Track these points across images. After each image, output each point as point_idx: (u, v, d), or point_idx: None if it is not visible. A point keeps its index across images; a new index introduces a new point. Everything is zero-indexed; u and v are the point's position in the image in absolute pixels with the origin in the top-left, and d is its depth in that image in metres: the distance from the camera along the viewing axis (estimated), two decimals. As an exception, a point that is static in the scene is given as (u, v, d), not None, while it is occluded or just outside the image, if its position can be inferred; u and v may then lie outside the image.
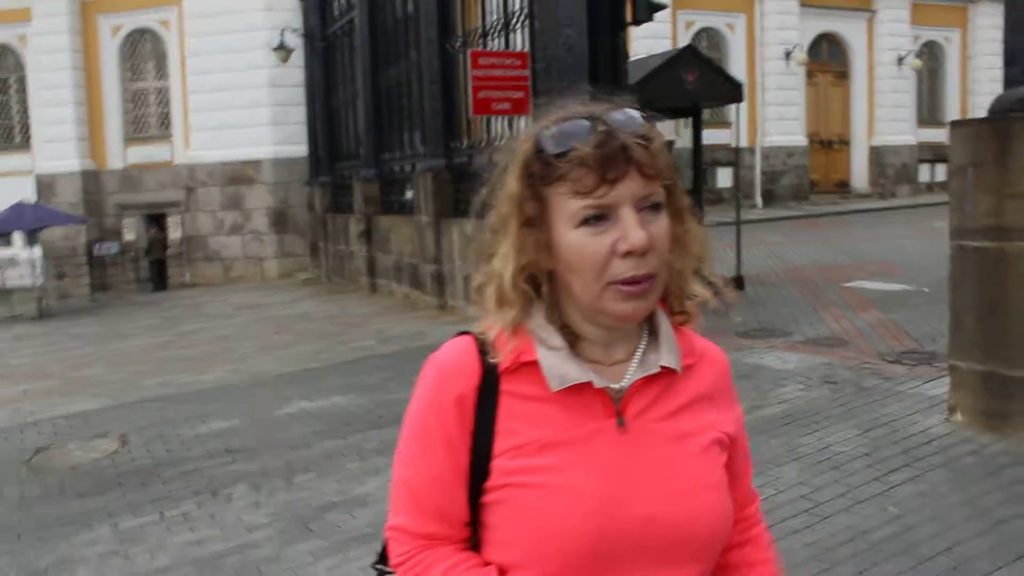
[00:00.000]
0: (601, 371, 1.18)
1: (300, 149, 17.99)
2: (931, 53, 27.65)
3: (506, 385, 1.19)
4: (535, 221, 1.15)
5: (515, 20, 9.58)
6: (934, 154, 26.37)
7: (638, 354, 1.20)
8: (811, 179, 24.85)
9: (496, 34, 9.99)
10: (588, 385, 1.16)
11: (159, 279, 18.72)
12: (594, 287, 1.12)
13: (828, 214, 21.27)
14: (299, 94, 17.95)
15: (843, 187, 25.35)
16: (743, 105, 11.49)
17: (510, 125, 9.86)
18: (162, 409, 7.03)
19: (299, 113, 17.98)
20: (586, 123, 1.13)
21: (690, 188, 10.94)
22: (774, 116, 23.95)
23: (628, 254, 1.10)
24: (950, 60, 27.95)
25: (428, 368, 1.26)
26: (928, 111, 27.59)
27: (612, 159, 1.10)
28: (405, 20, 12.51)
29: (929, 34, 27.26)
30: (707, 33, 23.47)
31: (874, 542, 3.56)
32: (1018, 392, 4.68)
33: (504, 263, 1.19)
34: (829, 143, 25.35)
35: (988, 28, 26.40)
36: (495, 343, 1.20)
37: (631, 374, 1.19)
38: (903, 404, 5.40)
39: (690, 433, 1.20)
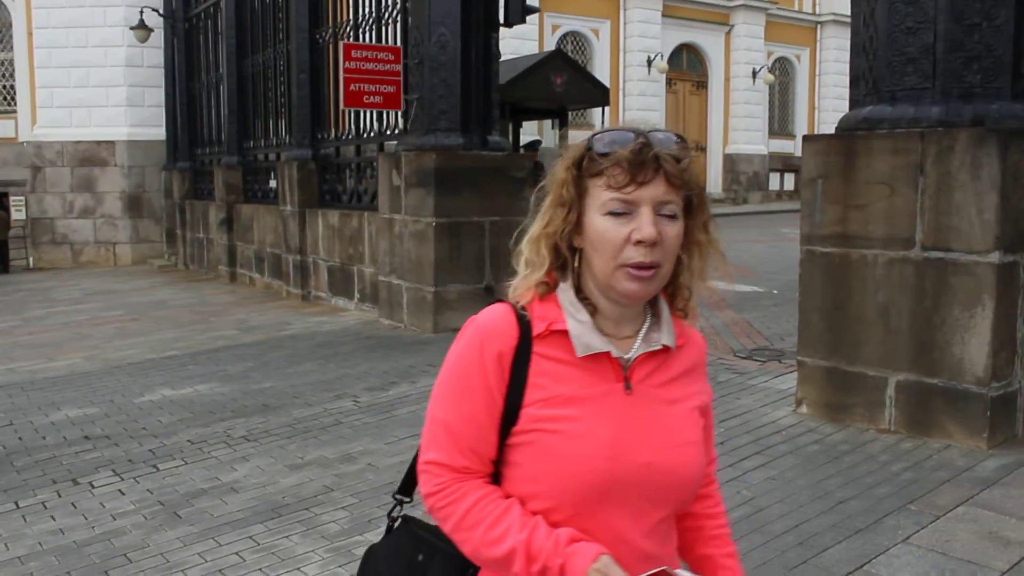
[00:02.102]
0: (612, 343, 1.43)
1: (158, 132, 17.41)
2: (783, 69, 29.12)
3: (538, 348, 1.42)
4: (567, 202, 1.40)
5: (388, 14, 9.62)
6: (784, 164, 27.77)
7: (643, 332, 1.46)
8: (668, 183, 25.68)
9: (368, 27, 10.01)
10: (605, 354, 1.42)
11: (0, 262, 17.76)
12: (609, 266, 1.37)
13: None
14: (158, 76, 17.36)
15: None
16: (607, 109, 11.88)
17: (379, 118, 9.90)
18: (10, 396, 6.77)
19: (158, 95, 17.39)
20: (631, 135, 1.38)
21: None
22: (636, 121, 24.66)
23: (639, 243, 1.34)
24: (800, 76, 29.50)
25: (470, 328, 1.47)
26: (779, 123, 29.03)
27: (643, 165, 1.35)
28: (274, 7, 12.34)
29: (782, 51, 28.70)
30: (573, 37, 23.99)
31: (730, 522, 3.84)
32: (857, 386, 5.10)
33: (534, 230, 1.45)
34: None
35: (835, 49, 28.00)
36: (529, 311, 1.44)
37: (637, 348, 1.44)
38: (754, 397, 5.78)
39: (679, 399, 1.47)
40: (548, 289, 1.44)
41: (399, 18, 9.41)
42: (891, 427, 4.94)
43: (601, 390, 1.41)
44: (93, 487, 4.71)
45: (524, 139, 11.51)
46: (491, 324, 1.44)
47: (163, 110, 17.32)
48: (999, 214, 4.53)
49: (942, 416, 4.74)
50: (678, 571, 1.38)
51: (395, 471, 4.70)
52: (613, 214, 1.36)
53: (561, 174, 1.42)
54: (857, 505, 3.98)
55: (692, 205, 1.41)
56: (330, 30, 10.79)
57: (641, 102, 24.73)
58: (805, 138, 5.71)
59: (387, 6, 9.65)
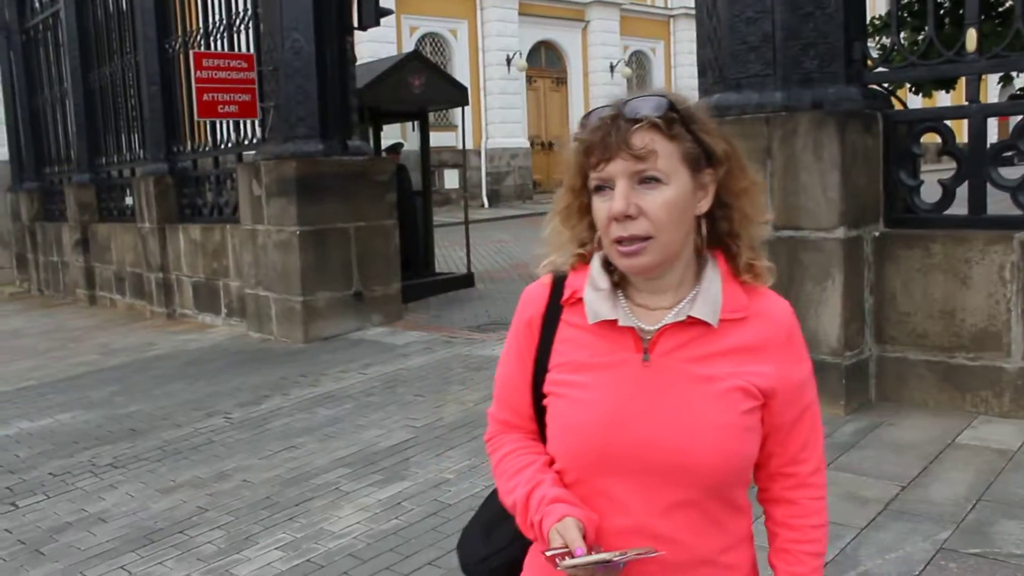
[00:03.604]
0: (642, 314, 1.40)
1: (0, 152, 16.55)
2: (639, 62, 29.82)
3: (565, 315, 1.45)
4: (572, 183, 1.42)
5: (239, 21, 9.39)
6: (643, 155, 28.39)
7: (681, 304, 1.39)
8: (534, 179, 26.05)
9: (219, 35, 9.74)
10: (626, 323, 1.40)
11: None
12: (606, 243, 1.37)
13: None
14: (-5, 92, 16.50)
15: (564, 187, 26.71)
16: (468, 109, 11.90)
17: (236, 128, 9.67)
18: None
19: (-3, 113, 16.53)
20: (605, 111, 1.36)
21: (418, 190, 11.21)
22: (497, 119, 24.88)
23: (614, 219, 1.32)
24: (656, 68, 30.28)
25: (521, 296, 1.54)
26: (637, 115, 29.64)
27: (604, 142, 1.32)
28: (119, 16, 11.88)
29: (637, 44, 29.40)
30: (431, 38, 23.97)
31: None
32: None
33: (552, 208, 1.50)
34: (550, 145, 26.64)
35: (687, 42, 28.83)
36: (566, 280, 1.47)
37: (666, 320, 1.38)
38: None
39: (714, 378, 1.36)
40: (584, 259, 1.45)
41: (251, 24, 9.18)
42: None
43: (616, 359, 1.39)
44: (-54, 531, 4.44)
45: (385, 143, 11.42)
46: (528, 292, 1.53)
47: (3, 128, 16.44)
48: (842, 191, 4.77)
49: (802, 388, 4.95)
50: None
51: (270, 485, 4.61)
52: (597, 192, 1.35)
53: (566, 156, 1.43)
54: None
55: (709, 155, 1.35)
56: (180, 39, 10.46)
57: (502, 100, 24.92)
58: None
59: (238, 12, 9.41)
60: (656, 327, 1.39)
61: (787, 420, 1.43)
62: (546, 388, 1.45)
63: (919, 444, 4.34)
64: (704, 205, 1.38)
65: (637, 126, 1.31)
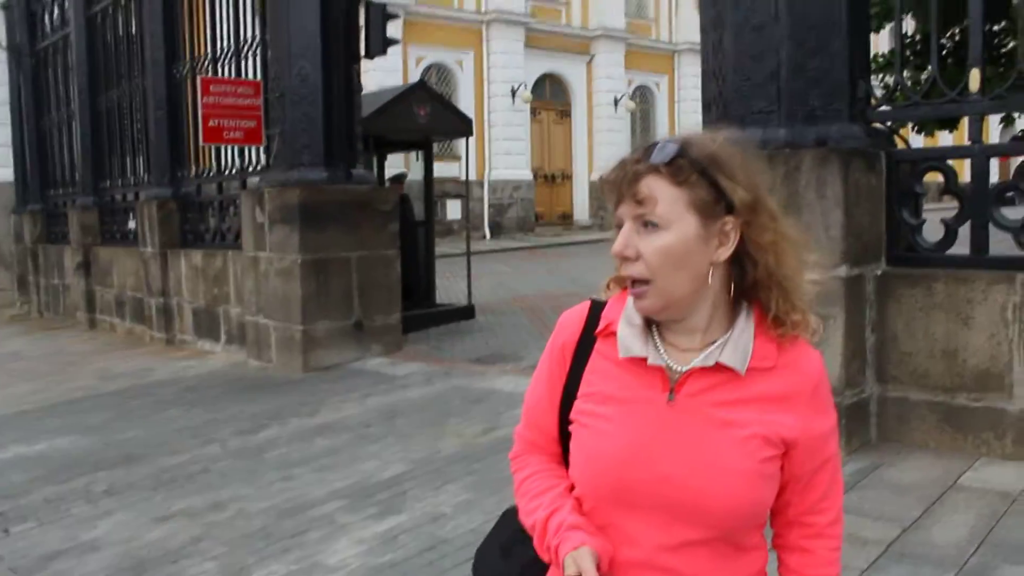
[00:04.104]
0: (672, 353, 1.42)
1: (5, 173, 16.61)
2: (643, 96, 29.98)
3: (599, 345, 1.48)
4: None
5: (247, 48, 9.46)
6: (646, 188, 28.46)
7: (711, 349, 1.39)
8: (536, 211, 26.12)
9: (227, 60, 9.80)
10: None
11: None
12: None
13: (553, 245, 22.43)
14: (3, 113, 16.58)
15: (566, 219, 26.82)
16: (472, 139, 11.96)
17: (241, 154, 9.70)
18: None
19: (3, 134, 16.60)
20: (628, 154, 1.40)
21: (421, 220, 11.24)
22: (501, 151, 24.98)
23: (616, 258, 1.39)
24: (660, 103, 30.44)
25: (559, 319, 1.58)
26: (640, 149, 29.75)
27: (614, 185, 1.38)
28: (128, 40, 11.95)
29: (641, 78, 29.58)
30: (437, 68, 24.13)
31: None
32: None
33: None
34: (553, 177, 26.76)
35: (692, 76, 29.00)
36: (603, 310, 1.50)
37: (694, 363, 1.39)
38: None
39: (736, 424, 1.37)
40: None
41: (259, 51, 9.25)
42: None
43: (642, 396, 1.41)
44: (-63, 556, 4.40)
45: (389, 172, 11.45)
46: (565, 317, 1.56)
47: (10, 150, 16.51)
48: (844, 230, 4.76)
49: (803, 426, 4.92)
50: None
51: (266, 516, 4.57)
52: (618, 228, 1.39)
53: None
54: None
55: (731, 203, 1.34)
56: (187, 64, 10.52)
57: (507, 132, 25.03)
58: (663, 163, 5.86)
59: (246, 39, 9.48)
60: (684, 368, 1.40)
61: (807, 471, 1.44)
62: (572, 415, 1.48)
63: (920, 485, 4.30)
64: (724, 253, 1.37)
65: (643, 172, 1.35)
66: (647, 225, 1.35)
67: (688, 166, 1.34)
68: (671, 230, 1.34)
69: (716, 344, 1.39)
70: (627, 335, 1.43)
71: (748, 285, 1.40)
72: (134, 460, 5.76)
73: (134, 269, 11.58)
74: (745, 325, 1.40)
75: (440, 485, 4.84)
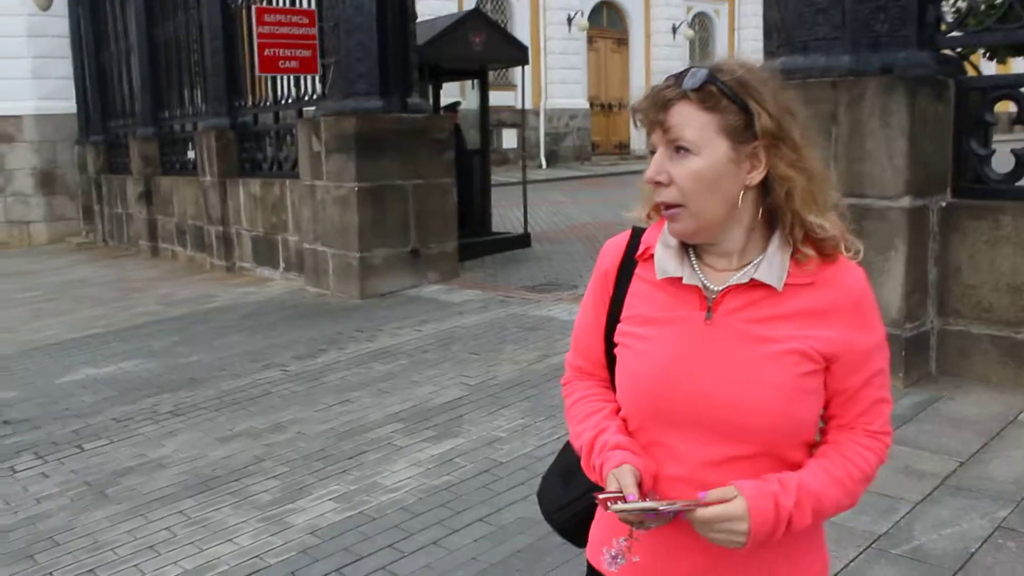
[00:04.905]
0: (709, 273, 1.43)
1: (68, 105, 16.82)
2: (702, 24, 29.28)
3: (639, 269, 1.51)
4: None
5: (301, -24, 9.40)
6: (704, 118, 27.95)
7: (748, 268, 1.41)
8: (593, 141, 25.84)
9: (281, -10, 9.78)
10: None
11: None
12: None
13: (609, 174, 22.21)
14: (64, 46, 16.74)
15: (623, 148, 26.50)
16: (527, 68, 11.82)
17: (297, 84, 9.72)
18: (-75, 383, 6.56)
19: (65, 67, 16.78)
20: (658, 83, 1.40)
21: (476, 149, 11.20)
22: (557, 80, 24.65)
23: (648, 183, 1.40)
24: (719, 31, 29.70)
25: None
26: (699, 78, 29.15)
27: (645, 112, 1.39)
28: (183, -29, 11.97)
29: (701, 6, 28.86)
30: (492, -4, 23.76)
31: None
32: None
33: None
34: (609, 106, 26.38)
35: (752, 3, 28.14)
36: (643, 235, 1.53)
37: (731, 281, 1.41)
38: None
39: (772, 339, 1.38)
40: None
41: (313, -20, 9.21)
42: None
43: (680, 315, 1.43)
44: (15, 471, 4.60)
45: (445, 101, 11.39)
46: (608, 245, 1.58)
47: (72, 82, 16.73)
48: (909, 159, 4.65)
49: (860, 358, 4.87)
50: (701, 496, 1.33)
51: (325, 438, 4.69)
52: (652, 154, 1.41)
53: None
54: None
55: (759, 126, 1.34)
56: (243, -6, 10.51)
57: (563, 60, 24.67)
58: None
59: (300, -32, 9.43)
60: (721, 287, 1.41)
61: (851, 385, 1.43)
62: (616, 338, 1.51)
63: (980, 420, 4.26)
64: (756, 176, 1.38)
65: (674, 98, 1.36)
66: (679, 150, 1.36)
67: (717, 91, 1.34)
68: (702, 155, 1.35)
69: (752, 264, 1.41)
70: (663, 256, 1.45)
71: (777, 207, 1.39)
72: (197, 383, 5.93)
73: (194, 198, 11.76)
74: (780, 244, 1.40)
75: (495, 410, 4.91)
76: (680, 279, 1.43)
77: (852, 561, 3.04)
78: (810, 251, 1.40)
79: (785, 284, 1.39)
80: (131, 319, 8.45)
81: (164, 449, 4.73)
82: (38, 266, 13.58)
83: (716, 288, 1.42)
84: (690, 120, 1.35)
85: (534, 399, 5.03)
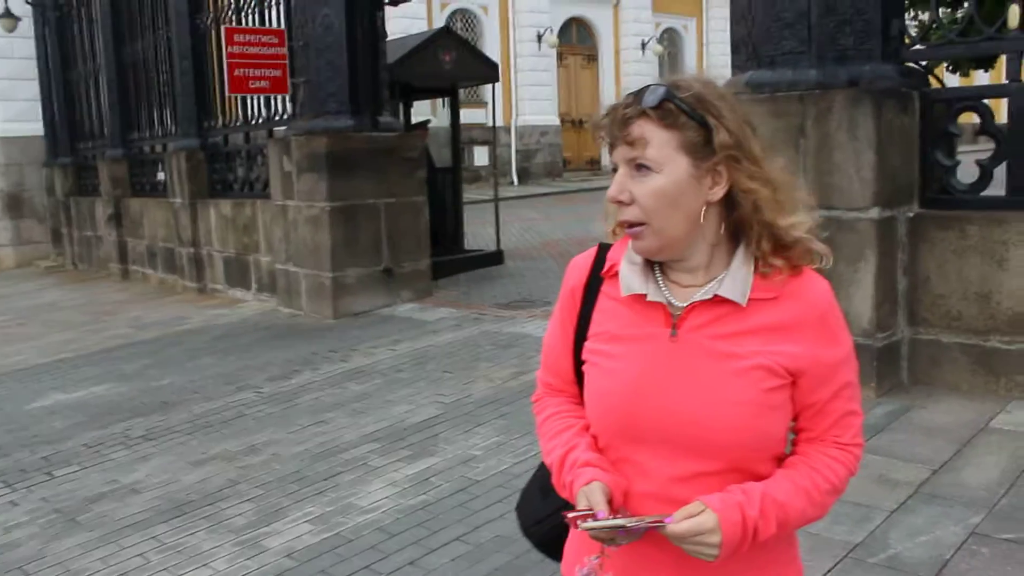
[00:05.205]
0: (675, 290, 1.43)
1: (35, 127, 16.67)
2: (671, 39, 29.50)
3: (605, 286, 1.51)
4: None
5: (270, -4, 9.40)
6: (674, 133, 28.14)
7: (711, 284, 1.41)
8: (564, 157, 25.92)
9: (250, 10, 9.76)
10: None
11: None
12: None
13: (581, 190, 22.25)
14: (30, 67, 16.58)
15: (594, 164, 26.59)
16: (498, 85, 11.86)
17: (267, 104, 9.69)
18: None
19: (31, 88, 16.62)
20: (620, 100, 1.39)
21: (447, 167, 11.20)
22: (528, 96, 24.74)
23: (611, 202, 1.40)
24: (688, 46, 29.94)
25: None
26: (668, 93, 29.37)
27: (607, 130, 1.40)
28: (151, -8, 11.92)
29: (669, 21, 29.09)
30: (461, 14, 23.85)
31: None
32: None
33: None
34: (580, 122, 26.47)
35: (720, 19, 28.44)
36: (609, 251, 1.53)
37: (695, 297, 1.41)
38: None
39: (737, 355, 1.38)
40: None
41: (281, 0, 9.20)
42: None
43: (645, 332, 1.43)
44: (-16, 499, 4.53)
45: (416, 119, 11.40)
46: (574, 261, 1.59)
47: (39, 104, 16.59)
48: (876, 171, 4.70)
49: (833, 369, 4.90)
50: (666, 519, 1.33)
51: (300, 460, 4.66)
52: (614, 172, 1.41)
53: None
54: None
55: (717, 141, 1.34)
56: (211, 14, 10.48)
57: (533, 77, 24.77)
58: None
59: (269, -12, 9.42)
60: (685, 304, 1.42)
61: (819, 399, 1.43)
62: (584, 355, 1.52)
63: (951, 428, 4.30)
64: (718, 191, 1.38)
65: (633, 116, 1.36)
66: (640, 168, 1.36)
67: (676, 108, 1.35)
68: (663, 172, 1.35)
69: (716, 279, 1.41)
70: (628, 274, 1.46)
71: (743, 221, 1.39)
72: (170, 406, 5.87)
73: (164, 220, 11.68)
74: (744, 259, 1.41)
75: (471, 428, 4.90)
76: (644, 296, 1.44)
77: (829, 572, 3.05)
78: (778, 262, 1.40)
79: (750, 299, 1.39)
80: (102, 343, 8.37)
81: (137, 474, 4.67)
82: (6, 290, 13.41)
83: (680, 304, 1.42)
84: (650, 138, 1.35)
85: (509, 416, 5.02)
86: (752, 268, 1.40)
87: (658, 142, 1.35)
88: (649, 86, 1.37)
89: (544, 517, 1.67)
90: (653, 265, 1.45)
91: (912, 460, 3.93)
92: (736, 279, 1.40)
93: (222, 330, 8.42)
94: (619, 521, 1.34)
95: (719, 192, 1.38)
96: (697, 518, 1.31)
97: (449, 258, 10.31)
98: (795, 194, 1.42)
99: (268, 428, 5.23)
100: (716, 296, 1.40)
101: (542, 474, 1.71)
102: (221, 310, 9.51)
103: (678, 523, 1.31)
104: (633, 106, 1.36)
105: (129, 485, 4.52)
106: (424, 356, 6.54)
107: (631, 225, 1.39)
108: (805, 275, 1.43)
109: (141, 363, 7.26)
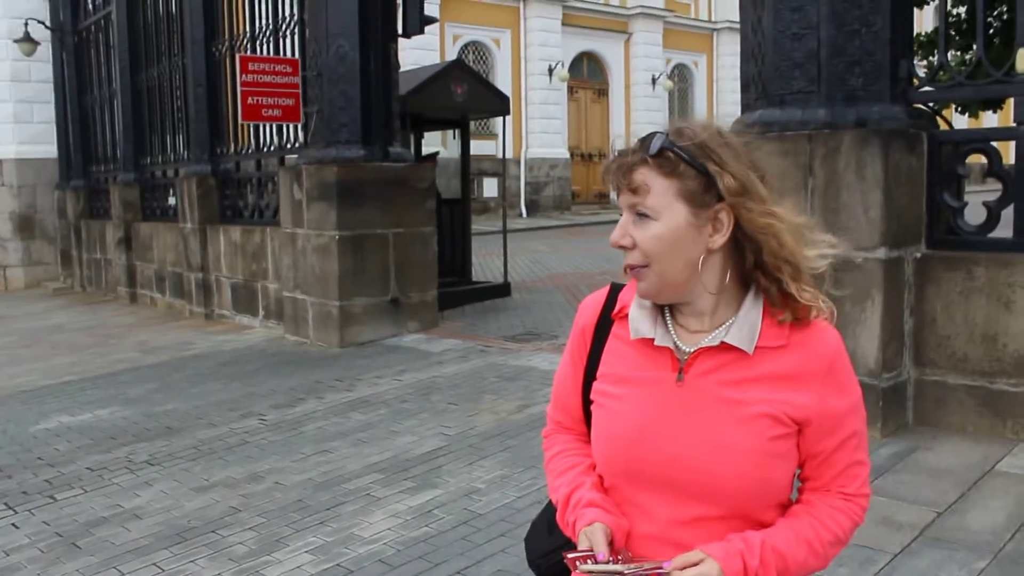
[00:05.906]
0: (683, 335, 1.45)
1: (49, 150, 16.81)
2: (681, 75, 29.73)
3: (615, 327, 1.53)
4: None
5: (285, 26, 9.51)
6: (684, 168, 28.27)
7: (719, 330, 1.42)
8: (573, 190, 26.03)
9: (265, 39, 9.87)
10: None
11: None
12: None
13: (589, 224, 22.31)
14: (47, 91, 16.76)
15: (603, 198, 26.68)
16: (509, 118, 11.94)
17: (279, 132, 9.77)
18: None
19: (47, 111, 16.79)
20: (625, 147, 1.42)
21: (456, 198, 11.25)
22: (538, 129, 24.90)
23: (615, 246, 1.42)
24: (698, 82, 30.16)
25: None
26: (678, 128, 29.54)
27: (611, 175, 1.42)
28: (168, 19, 12.06)
29: (679, 57, 29.32)
30: (474, 47, 24.07)
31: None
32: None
33: None
34: (589, 156, 26.62)
35: (730, 55, 28.70)
36: (621, 292, 1.55)
37: (702, 343, 1.42)
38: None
39: (743, 403, 1.38)
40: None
41: (296, 29, 9.30)
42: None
43: (652, 375, 1.44)
44: (-15, 521, 4.52)
45: (427, 150, 11.48)
46: (585, 301, 1.61)
47: (54, 127, 16.73)
48: (884, 211, 4.72)
49: (838, 408, 4.89)
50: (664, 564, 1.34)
51: (302, 488, 4.65)
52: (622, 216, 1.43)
53: None
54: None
55: (723, 187, 1.34)
56: (227, 42, 10.59)
57: (543, 111, 24.94)
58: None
59: (284, 18, 9.53)
60: (692, 349, 1.42)
61: (825, 449, 1.43)
62: (592, 395, 1.54)
63: (957, 470, 4.28)
64: (718, 239, 1.38)
65: (635, 163, 1.38)
66: (640, 215, 1.39)
67: (675, 157, 1.36)
68: (661, 220, 1.37)
69: (723, 326, 1.42)
70: (637, 317, 1.47)
71: (752, 268, 1.40)
72: (174, 431, 5.87)
73: (174, 244, 11.73)
74: (752, 306, 1.41)
75: (475, 461, 4.89)
76: (653, 340, 1.45)
77: (832, 614, 3.02)
78: (786, 313, 1.40)
79: (757, 347, 1.39)
80: (107, 366, 8.38)
81: (139, 499, 4.66)
82: (14, 311, 13.46)
83: (688, 349, 1.43)
84: (651, 185, 1.37)
85: (513, 450, 5.01)
86: (761, 315, 1.41)
87: (658, 190, 1.37)
88: (654, 134, 1.39)
89: (550, 551, 1.68)
90: (663, 309, 1.46)
91: (917, 502, 3.91)
92: (744, 326, 1.40)
93: (228, 356, 8.43)
94: (615, 567, 1.35)
95: (719, 240, 1.38)
96: (700, 567, 1.32)
97: (456, 289, 10.33)
98: (813, 229, 1.44)
99: (271, 456, 5.23)
100: (723, 343, 1.40)
101: (551, 508, 1.72)
102: (228, 336, 9.53)
103: (682, 572, 1.32)
104: (636, 154, 1.38)
105: (131, 510, 4.51)
106: (429, 387, 6.54)
107: (634, 267, 1.41)
108: (814, 324, 1.43)
109: (146, 387, 7.27)
